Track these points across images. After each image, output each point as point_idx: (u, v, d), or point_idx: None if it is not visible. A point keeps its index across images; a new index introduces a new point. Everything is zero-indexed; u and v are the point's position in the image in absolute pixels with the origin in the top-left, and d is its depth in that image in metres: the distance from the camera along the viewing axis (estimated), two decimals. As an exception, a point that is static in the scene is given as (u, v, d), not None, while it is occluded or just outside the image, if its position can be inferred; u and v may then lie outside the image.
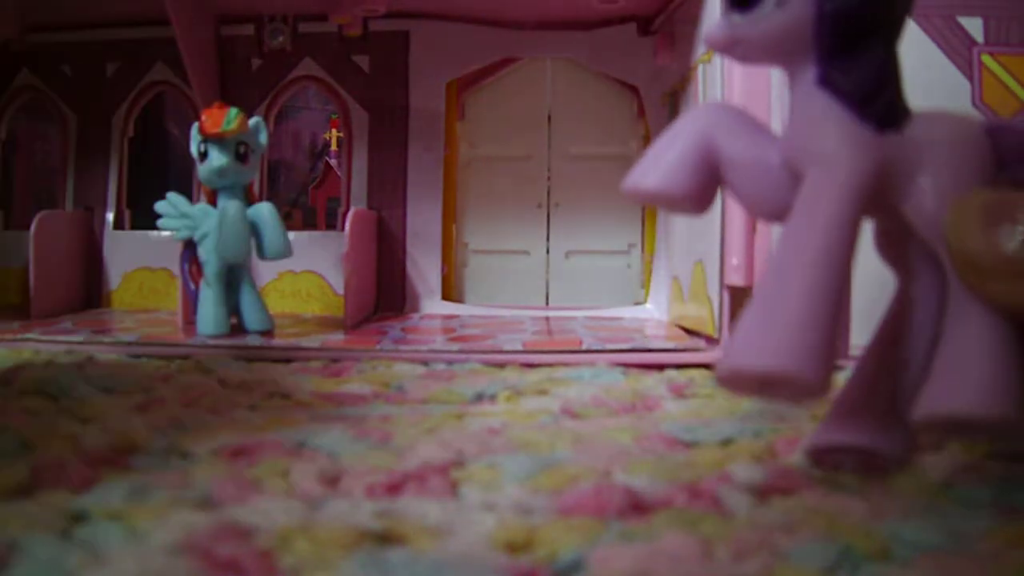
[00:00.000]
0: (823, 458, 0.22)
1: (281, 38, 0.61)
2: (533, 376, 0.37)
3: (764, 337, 0.18)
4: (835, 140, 0.20)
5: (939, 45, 0.39)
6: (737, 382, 0.19)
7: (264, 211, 0.46)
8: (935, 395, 0.18)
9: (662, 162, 0.22)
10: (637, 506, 0.19)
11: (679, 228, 0.52)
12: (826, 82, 0.20)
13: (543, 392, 0.33)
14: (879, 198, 0.20)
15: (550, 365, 0.40)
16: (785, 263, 0.19)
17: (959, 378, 0.18)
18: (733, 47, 0.21)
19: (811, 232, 0.19)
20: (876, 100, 0.20)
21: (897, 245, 0.22)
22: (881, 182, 0.20)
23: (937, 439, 0.23)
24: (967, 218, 0.18)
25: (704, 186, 0.22)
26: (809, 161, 0.20)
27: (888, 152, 0.20)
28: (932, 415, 0.18)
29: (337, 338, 0.45)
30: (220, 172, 0.45)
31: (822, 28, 0.20)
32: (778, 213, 0.21)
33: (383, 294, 0.61)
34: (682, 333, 0.47)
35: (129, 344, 0.43)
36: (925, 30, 0.39)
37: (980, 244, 0.17)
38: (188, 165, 0.56)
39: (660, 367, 0.40)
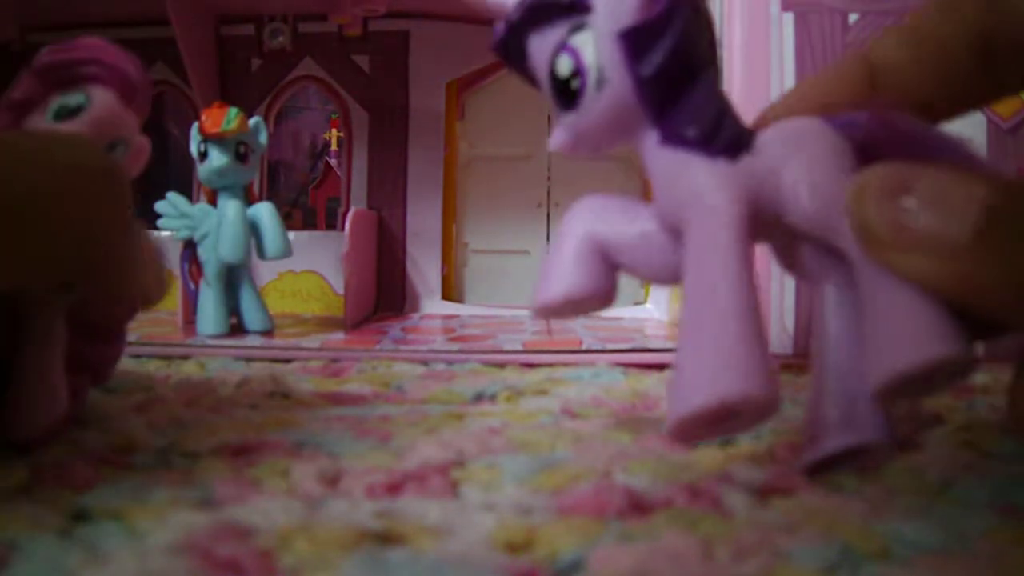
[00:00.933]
0: (821, 469, 0.22)
1: (281, 38, 0.61)
2: (533, 376, 0.37)
3: (708, 372, 0.18)
4: (700, 186, 0.20)
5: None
6: (693, 426, 0.18)
7: (264, 211, 0.46)
8: (883, 360, 0.18)
9: (559, 272, 0.22)
10: (637, 506, 0.19)
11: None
12: (669, 139, 0.20)
13: (543, 392, 0.33)
14: (759, 221, 0.20)
15: (550, 365, 0.40)
16: (699, 310, 0.19)
17: (899, 335, 0.18)
18: (578, 145, 0.22)
19: (713, 275, 0.19)
20: (719, 133, 0.20)
21: (794, 255, 0.22)
22: (755, 206, 0.20)
23: (902, 406, 0.23)
24: (866, 192, 0.18)
25: (604, 278, 0.22)
26: (685, 216, 0.20)
27: (749, 175, 0.20)
28: (889, 379, 0.18)
29: (337, 338, 0.45)
30: (220, 172, 0.45)
31: (645, 94, 0.20)
32: (675, 276, 0.21)
33: (383, 294, 0.61)
34: (682, 333, 0.47)
35: (129, 344, 0.43)
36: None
37: (878, 216, 0.18)
38: (188, 165, 0.56)
39: (660, 367, 0.40)
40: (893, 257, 0.18)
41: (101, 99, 0.24)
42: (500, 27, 0.22)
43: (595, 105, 0.20)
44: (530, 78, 0.23)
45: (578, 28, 0.20)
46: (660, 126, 0.20)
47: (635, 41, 0.20)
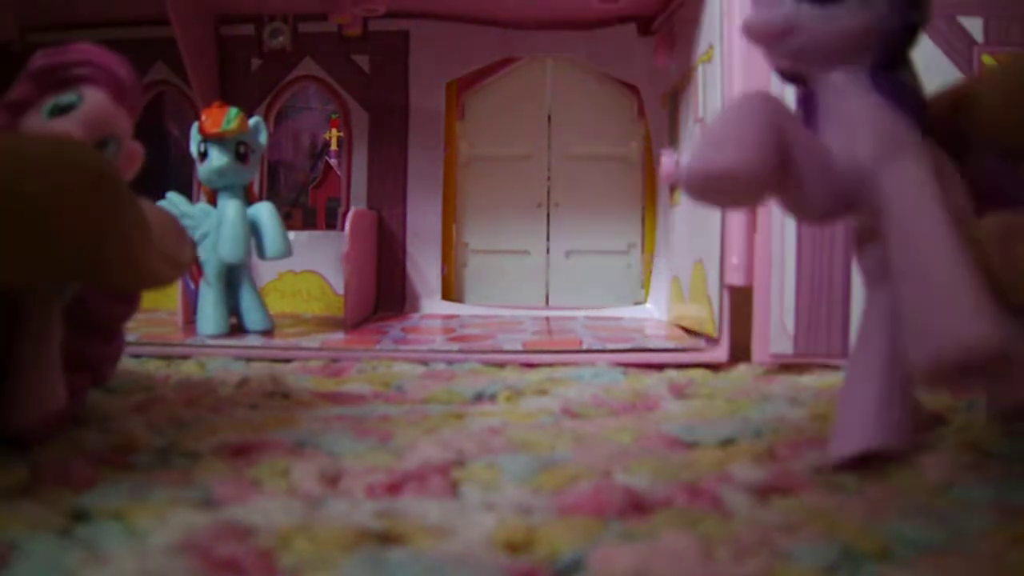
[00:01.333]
0: (853, 465, 0.22)
1: (281, 38, 0.61)
2: (533, 376, 0.37)
3: (946, 315, 0.18)
4: (902, 135, 0.20)
5: (939, 45, 0.39)
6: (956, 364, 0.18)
7: (264, 211, 0.46)
8: (927, 345, 0.18)
9: (738, 138, 0.20)
10: (637, 506, 0.19)
11: (679, 228, 0.52)
12: (884, 85, 0.21)
13: (543, 392, 0.33)
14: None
15: (550, 365, 0.40)
16: (924, 246, 0.19)
17: (942, 319, 0.18)
18: (785, 36, 0.21)
19: (931, 217, 0.19)
20: (919, 101, 0.21)
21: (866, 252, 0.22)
22: None
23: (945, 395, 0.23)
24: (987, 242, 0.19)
25: (778, 168, 0.20)
26: (880, 154, 0.20)
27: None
28: (935, 362, 0.18)
29: (337, 338, 0.45)
30: (220, 172, 0.45)
31: (896, 38, 0.21)
32: (818, 213, 0.21)
33: (383, 294, 0.61)
34: (682, 333, 0.47)
35: (129, 344, 0.43)
36: (925, 30, 0.39)
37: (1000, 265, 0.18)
38: (188, 165, 0.56)
39: (660, 367, 0.40)
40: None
41: (93, 97, 0.25)
42: None
43: (851, 15, 0.20)
44: None
45: None
46: (882, 71, 0.21)
47: None
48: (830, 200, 0.21)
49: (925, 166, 0.20)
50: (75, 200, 0.19)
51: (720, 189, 0.20)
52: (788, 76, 0.23)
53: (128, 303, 0.26)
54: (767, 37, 0.21)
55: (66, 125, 0.24)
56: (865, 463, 0.22)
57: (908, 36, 0.21)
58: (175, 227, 0.24)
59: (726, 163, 0.19)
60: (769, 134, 0.20)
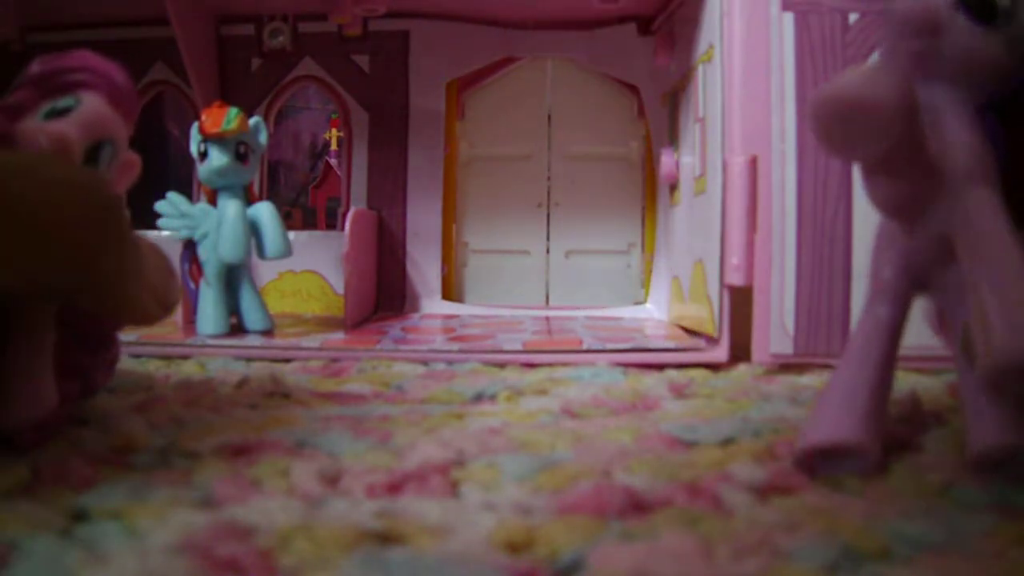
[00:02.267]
0: (820, 457, 0.22)
1: (281, 38, 0.61)
2: (533, 376, 0.37)
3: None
4: (993, 170, 0.21)
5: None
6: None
7: (264, 211, 0.46)
8: (993, 345, 0.19)
9: (875, 80, 0.20)
10: (637, 506, 0.19)
11: (679, 228, 0.52)
12: (994, 123, 0.21)
13: (543, 392, 0.33)
14: None
15: (550, 365, 0.40)
16: (1001, 261, 0.20)
17: (1009, 320, 0.19)
18: (936, 34, 0.21)
19: (1006, 238, 0.20)
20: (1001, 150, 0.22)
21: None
22: None
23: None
24: None
25: (907, 119, 0.20)
26: (976, 181, 0.21)
27: None
28: (998, 365, 0.19)
29: (337, 338, 0.45)
30: (220, 172, 0.45)
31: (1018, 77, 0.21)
32: (898, 208, 0.22)
33: (383, 294, 0.61)
34: (682, 333, 0.47)
35: (129, 344, 0.43)
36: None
37: None
38: (188, 165, 0.56)
39: (660, 367, 0.40)
40: None
41: (90, 101, 0.25)
42: None
43: (998, 45, 0.21)
44: None
45: None
46: (990, 108, 0.21)
47: None
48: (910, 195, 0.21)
49: (999, 199, 0.21)
50: (74, 219, 0.19)
51: (849, 120, 0.20)
52: None
53: (121, 319, 0.26)
54: (921, 24, 0.21)
55: (62, 126, 0.24)
56: (829, 458, 0.22)
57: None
58: (167, 266, 0.25)
59: (863, 92, 0.20)
60: (905, 87, 0.20)
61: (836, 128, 0.21)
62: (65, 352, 0.24)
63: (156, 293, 0.24)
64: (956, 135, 0.21)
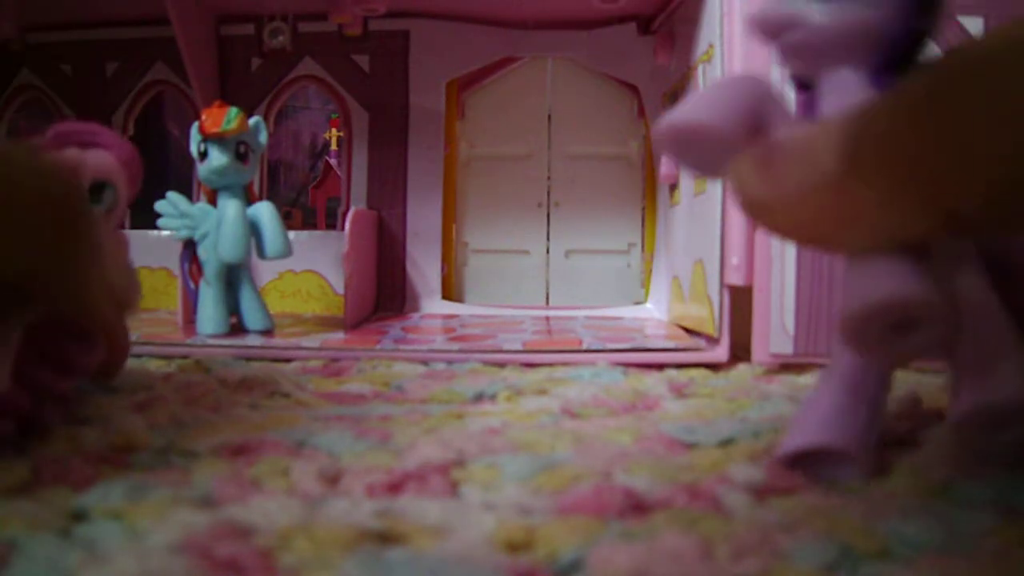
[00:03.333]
0: (805, 462, 0.22)
1: (281, 38, 0.61)
2: (533, 376, 0.37)
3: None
4: None
5: (940, 45, 0.39)
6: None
7: (264, 211, 0.46)
8: (846, 302, 0.19)
9: (711, 102, 0.21)
10: (637, 506, 0.19)
11: (679, 228, 0.52)
12: (885, 80, 0.21)
13: (543, 392, 0.33)
14: None
15: (550, 365, 0.40)
16: None
17: (863, 281, 0.19)
18: (788, 29, 0.21)
19: None
20: None
21: None
22: None
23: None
24: (743, 168, 0.20)
25: (745, 137, 0.21)
26: None
27: None
28: (851, 317, 0.19)
29: (337, 338, 0.45)
30: (220, 172, 0.45)
31: (910, 40, 0.21)
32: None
33: (383, 294, 0.61)
34: (682, 333, 0.47)
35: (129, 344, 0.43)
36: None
37: (758, 189, 0.19)
38: (188, 165, 0.56)
39: (660, 367, 0.40)
40: (770, 219, 0.19)
41: (102, 151, 0.28)
42: None
43: (853, 9, 0.21)
44: None
45: None
46: (884, 72, 0.21)
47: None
48: None
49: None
50: (33, 199, 0.19)
51: (684, 144, 0.21)
52: (801, 83, 0.23)
53: (86, 345, 0.26)
54: (770, 28, 0.22)
55: (74, 153, 0.27)
56: (811, 462, 0.21)
57: (914, 41, 0.21)
58: (126, 266, 0.26)
59: (693, 119, 0.21)
60: (744, 106, 0.21)
61: (680, 152, 0.22)
62: (53, 349, 0.24)
63: (114, 291, 0.24)
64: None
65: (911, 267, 0.19)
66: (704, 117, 0.21)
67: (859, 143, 0.17)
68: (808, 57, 0.22)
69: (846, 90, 0.21)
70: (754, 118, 0.21)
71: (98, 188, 0.28)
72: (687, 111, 0.21)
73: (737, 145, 0.21)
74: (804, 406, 0.23)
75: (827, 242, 0.20)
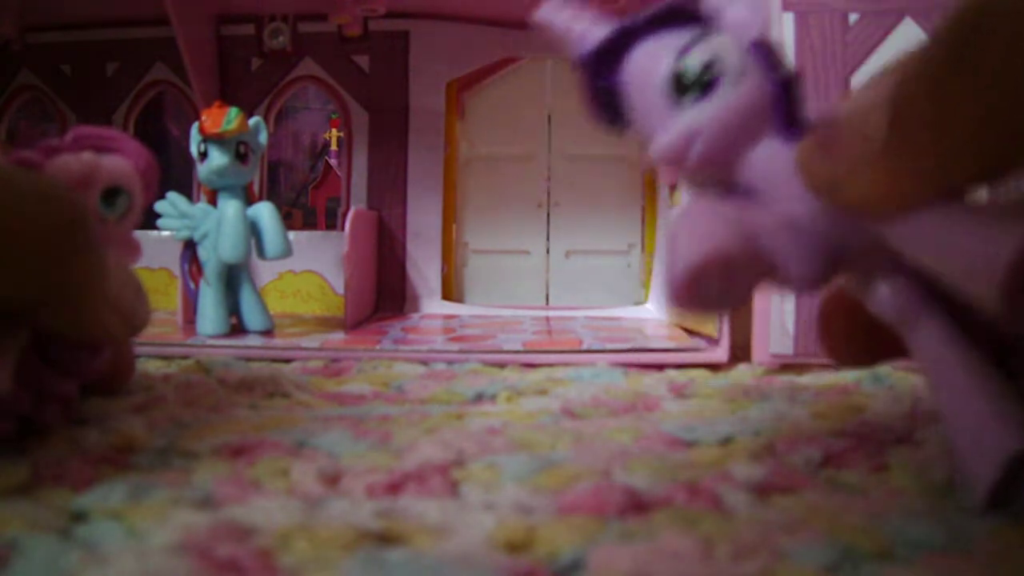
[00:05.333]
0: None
1: (281, 38, 0.61)
2: (533, 376, 0.37)
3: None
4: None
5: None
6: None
7: (264, 211, 0.46)
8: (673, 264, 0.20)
9: (703, 233, 0.20)
10: (637, 505, 0.19)
11: (679, 228, 0.52)
12: (795, 139, 0.20)
13: (543, 392, 0.33)
14: None
15: (550, 365, 0.40)
16: None
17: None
18: (691, 144, 0.21)
19: None
20: None
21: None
22: None
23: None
24: (805, 152, 0.20)
25: (756, 253, 0.20)
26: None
27: None
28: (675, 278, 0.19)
29: (337, 338, 0.45)
30: (220, 172, 0.45)
31: (780, 98, 0.21)
32: (815, 277, 0.21)
33: (383, 294, 0.61)
34: (682, 333, 0.47)
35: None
36: (925, 30, 0.39)
37: (824, 169, 0.19)
38: (188, 165, 0.56)
39: (660, 367, 0.40)
40: (844, 194, 0.19)
41: (117, 157, 0.28)
42: (600, 34, 0.22)
43: (733, 95, 0.21)
44: (603, 90, 0.22)
45: (705, 35, 0.21)
46: (787, 129, 0.21)
47: (768, 52, 0.21)
48: (819, 261, 0.21)
49: None
50: (39, 228, 0.19)
51: (710, 283, 0.20)
52: (727, 186, 0.22)
53: (90, 349, 0.26)
54: (676, 155, 0.21)
55: (89, 158, 0.26)
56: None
57: (790, 92, 0.21)
58: (135, 286, 0.26)
59: (707, 253, 0.19)
60: (729, 222, 0.20)
61: (705, 299, 0.20)
62: (56, 352, 0.24)
63: (123, 312, 0.24)
64: (785, 167, 0.21)
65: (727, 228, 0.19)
66: (711, 248, 0.19)
67: (898, 108, 0.17)
68: (720, 156, 0.21)
69: (765, 160, 0.21)
70: (745, 231, 0.20)
71: (112, 193, 0.28)
72: (688, 254, 0.20)
73: (755, 264, 0.20)
74: (954, 418, 0.19)
75: (896, 207, 0.19)
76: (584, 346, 0.42)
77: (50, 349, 0.24)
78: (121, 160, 0.28)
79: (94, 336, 0.24)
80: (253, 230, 0.46)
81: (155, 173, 0.30)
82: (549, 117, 0.64)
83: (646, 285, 0.62)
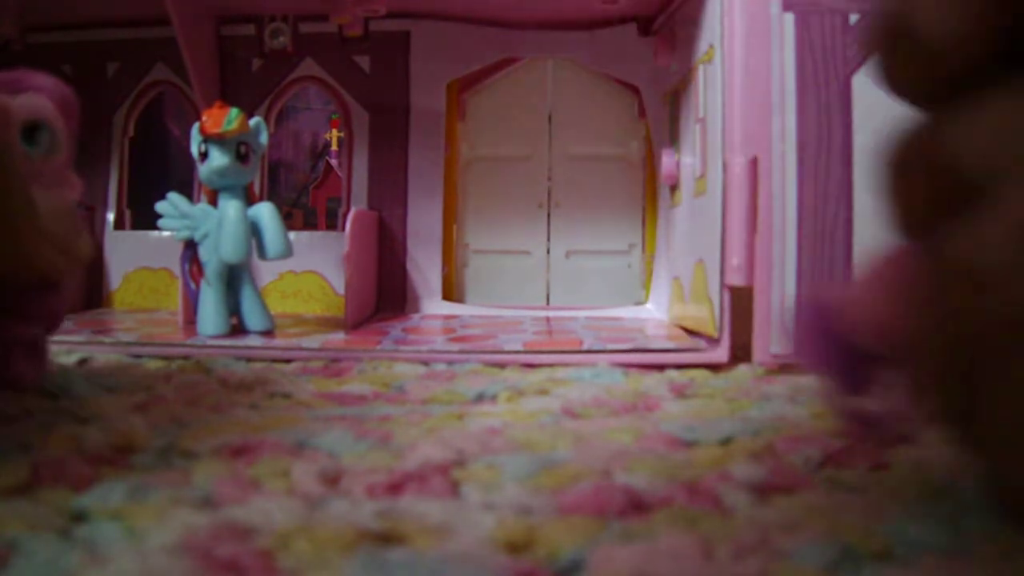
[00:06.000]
0: None
1: (282, 38, 0.61)
2: (534, 376, 0.37)
3: None
4: None
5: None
6: None
7: (264, 211, 0.46)
8: None
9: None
10: (637, 505, 0.19)
11: (679, 228, 0.52)
12: None
13: (544, 392, 0.33)
14: None
15: (551, 365, 0.40)
16: None
17: None
18: None
19: None
20: None
21: None
22: None
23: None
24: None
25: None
26: None
27: None
28: None
29: (338, 338, 0.45)
30: (221, 172, 0.45)
31: None
32: None
33: (384, 294, 0.61)
34: (683, 333, 0.47)
35: (129, 344, 0.43)
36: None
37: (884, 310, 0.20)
38: (188, 165, 0.56)
39: (661, 367, 0.40)
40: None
41: (30, 95, 0.28)
42: None
43: None
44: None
45: None
46: None
47: None
48: None
49: None
50: None
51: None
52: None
53: (44, 291, 0.26)
54: None
55: (4, 97, 0.26)
56: None
57: None
58: (70, 218, 0.25)
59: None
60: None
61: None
62: (11, 298, 0.24)
63: (59, 244, 0.24)
64: None
65: None
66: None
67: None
68: None
69: None
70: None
71: (33, 130, 0.27)
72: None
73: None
74: None
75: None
76: (585, 346, 0.42)
77: (3, 296, 0.24)
78: (35, 96, 0.28)
79: (34, 271, 0.24)
80: (254, 230, 0.46)
81: (74, 104, 0.29)
82: (549, 117, 0.64)
83: (647, 285, 0.62)
